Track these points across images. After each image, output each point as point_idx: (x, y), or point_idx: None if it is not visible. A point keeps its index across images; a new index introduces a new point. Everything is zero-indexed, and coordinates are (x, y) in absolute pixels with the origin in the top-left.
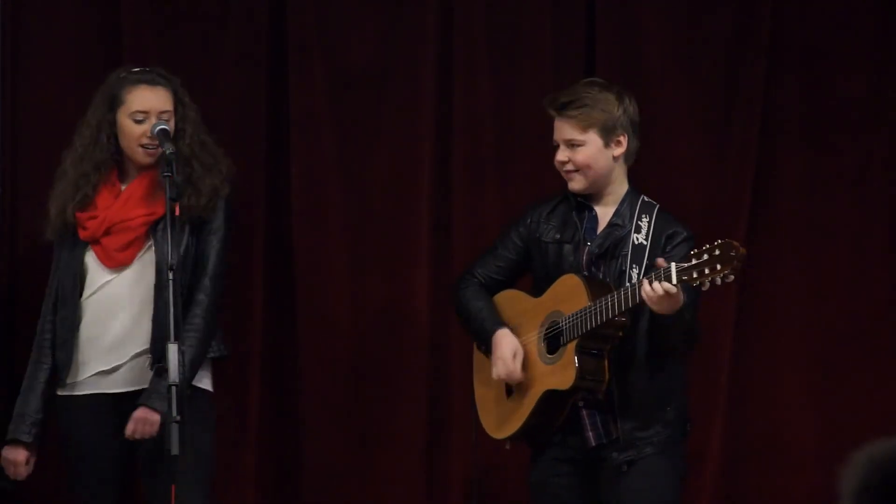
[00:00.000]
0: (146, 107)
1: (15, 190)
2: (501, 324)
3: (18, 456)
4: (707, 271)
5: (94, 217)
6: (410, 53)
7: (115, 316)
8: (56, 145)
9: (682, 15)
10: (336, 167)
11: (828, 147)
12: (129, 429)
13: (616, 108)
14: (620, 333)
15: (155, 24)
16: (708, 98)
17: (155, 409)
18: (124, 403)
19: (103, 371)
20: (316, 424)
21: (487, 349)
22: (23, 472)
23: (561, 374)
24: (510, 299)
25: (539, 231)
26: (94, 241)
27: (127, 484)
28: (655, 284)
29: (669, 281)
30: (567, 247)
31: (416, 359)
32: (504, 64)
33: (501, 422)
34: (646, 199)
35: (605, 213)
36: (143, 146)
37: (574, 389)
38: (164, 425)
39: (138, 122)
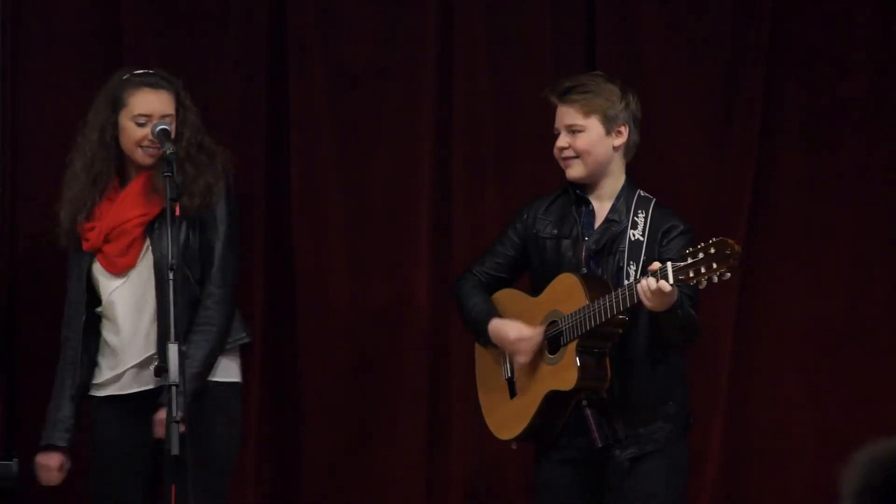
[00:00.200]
0: (148, 110)
1: (15, 190)
2: (494, 315)
3: (53, 461)
4: (703, 270)
5: (93, 228)
6: (410, 53)
7: (128, 320)
8: (56, 145)
9: (682, 15)
10: (336, 167)
11: (828, 147)
12: (159, 431)
13: (619, 99)
14: (620, 331)
15: (155, 24)
16: (708, 98)
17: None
18: (147, 402)
19: (122, 373)
20: (316, 424)
21: (486, 341)
22: (56, 477)
23: (563, 374)
24: (509, 299)
25: (536, 227)
26: (97, 251)
27: (152, 486)
28: (651, 281)
29: (666, 280)
30: (565, 242)
31: (416, 358)
32: (504, 64)
33: (506, 423)
34: (642, 193)
35: (601, 207)
36: (143, 147)
37: (577, 389)
38: (192, 423)
39: (140, 125)
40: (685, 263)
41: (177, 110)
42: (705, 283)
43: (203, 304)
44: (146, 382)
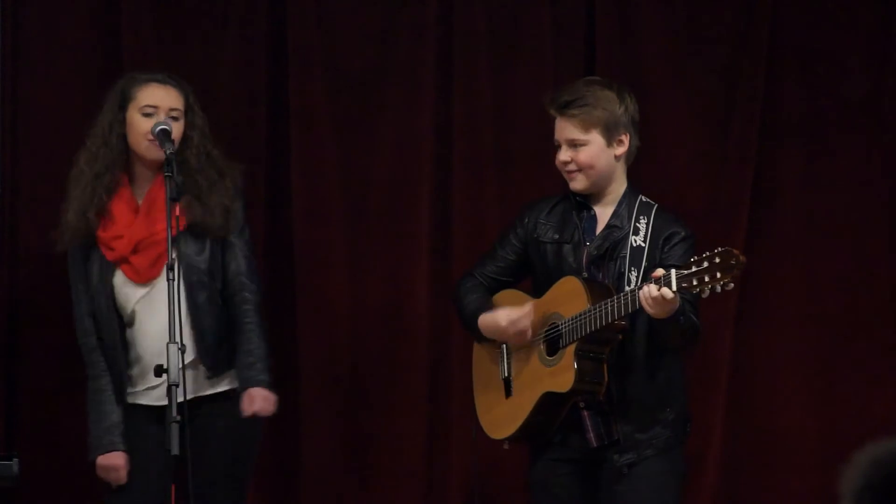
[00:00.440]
0: (155, 101)
1: (15, 190)
2: (482, 310)
3: (119, 460)
4: (707, 279)
5: (120, 237)
6: (410, 53)
7: (157, 329)
8: (56, 145)
9: (681, 15)
10: (336, 167)
11: (828, 147)
12: (257, 406)
13: (617, 106)
14: (620, 336)
15: (155, 24)
16: (708, 98)
17: (266, 387)
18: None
19: (154, 385)
20: (316, 425)
21: (480, 337)
22: (124, 476)
23: (560, 376)
24: (510, 299)
25: (537, 231)
26: (123, 261)
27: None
28: (653, 288)
29: (669, 287)
30: (566, 247)
31: (415, 359)
32: (504, 64)
33: (500, 422)
34: (644, 198)
35: (603, 213)
36: (150, 140)
37: (573, 392)
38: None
39: (147, 115)
40: (689, 272)
41: (186, 112)
42: (708, 291)
43: (241, 309)
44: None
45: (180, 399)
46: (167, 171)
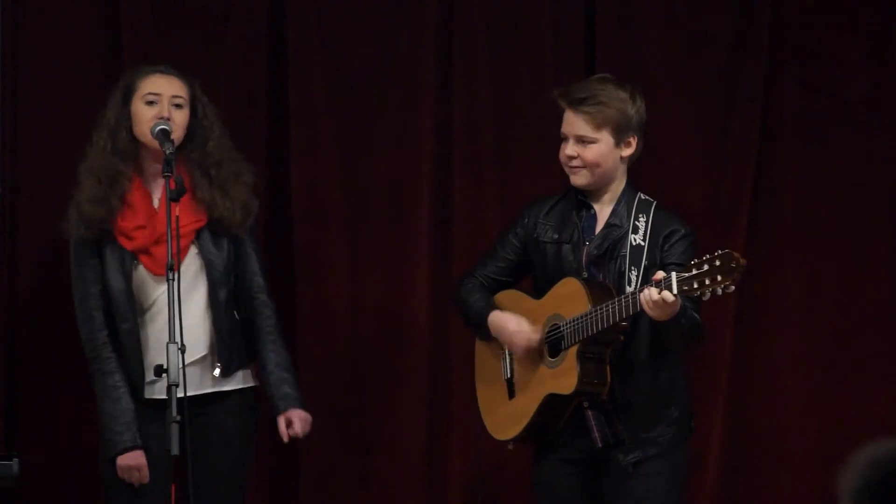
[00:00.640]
0: (157, 89)
1: (15, 190)
2: (494, 308)
3: (142, 459)
4: (707, 282)
5: (143, 227)
6: (410, 53)
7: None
8: (56, 145)
9: (682, 15)
10: (336, 167)
11: (827, 147)
12: (297, 429)
13: (630, 107)
14: (622, 337)
15: (155, 23)
16: (708, 98)
17: (303, 405)
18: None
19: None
20: (315, 425)
21: (487, 334)
22: (146, 475)
23: (563, 378)
24: (511, 300)
25: (537, 231)
26: (143, 251)
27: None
28: (654, 292)
29: (670, 290)
30: (566, 247)
31: (415, 359)
32: (504, 64)
33: (504, 423)
34: (642, 196)
35: (603, 211)
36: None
37: (576, 394)
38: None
39: (149, 103)
40: (690, 275)
41: (194, 104)
42: (709, 294)
43: (262, 313)
44: (199, 386)
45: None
46: (166, 172)
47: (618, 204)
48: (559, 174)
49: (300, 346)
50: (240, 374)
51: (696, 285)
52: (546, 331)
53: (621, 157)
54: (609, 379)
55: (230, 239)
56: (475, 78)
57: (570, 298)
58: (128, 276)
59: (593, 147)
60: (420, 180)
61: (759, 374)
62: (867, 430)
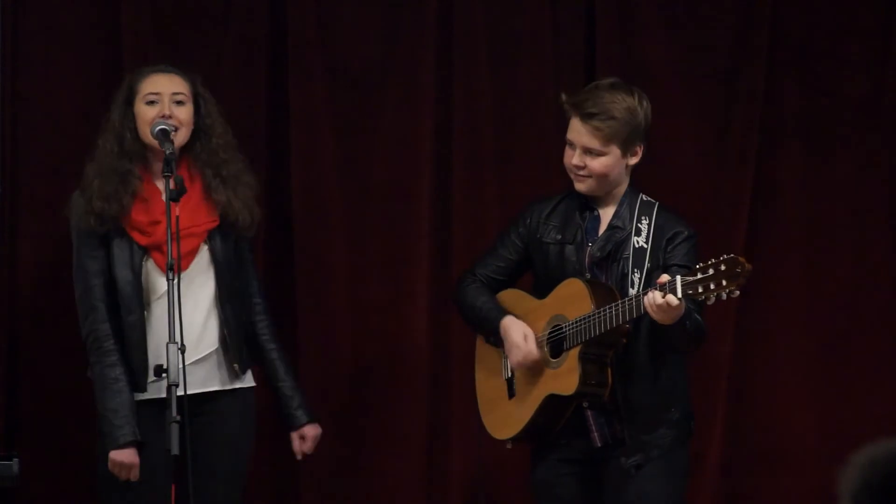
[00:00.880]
0: (157, 88)
1: (15, 190)
2: (506, 312)
3: (135, 457)
4: (712, 286)
5: (158, 223)
6: (410, 53)
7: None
8: (56, 145)
9: (682, 15)
10: (336, 167)
11: (828, 147)
12: (307, 447)
13: (639, 116)
14: (624, 340)
15: (155, 24)
16: (708, 99)
17: (315, 419)
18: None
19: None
20: None
21: (496, 340)
22: (136, 473)
23: (564, 379)
24: (512, 299)
25: (539, 231)
26: (156, 247)
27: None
28: (657, 295)
29: (674, 294)
30: (569, 248)
31: (416, 359)
32: (504, 64)
33: (504, 423)
34: (644, 197)
35: (606, 213)
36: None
37: (577, 395)
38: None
39: (150, 103)
40: (694, 279)
41: (196, 100)
42: (713, 299)
43: (259, 315)
44: (206, 383)
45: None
46: (166, 172)
47: (620, 206)
48: (559, 174)
49: (300, 346)
50: (248, 374)
51: (700, 289)
52: (548, 331)
53: (627, 165)
54: (610, 381)
55: (236, 240)
56: (475, 78)
57: (573, 299)
58: (136, 270)
59: (601, 159)
60: (420, 180)
61: (759, 374)
62: (867, 430)
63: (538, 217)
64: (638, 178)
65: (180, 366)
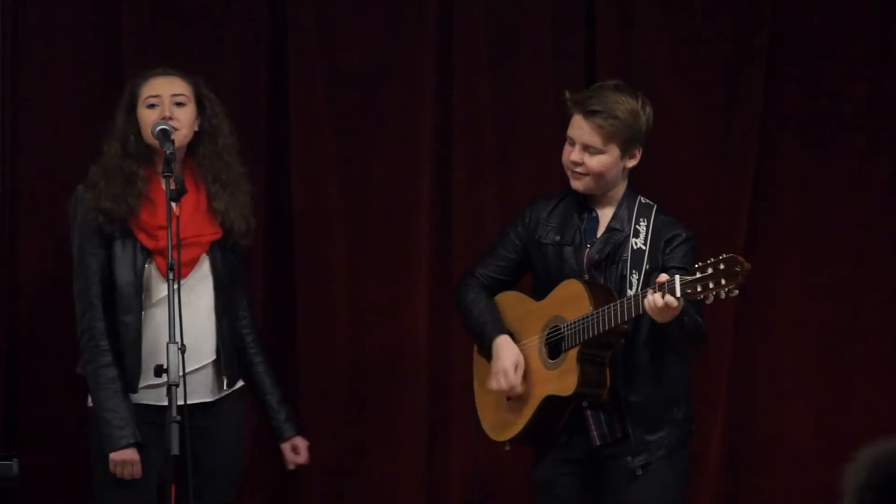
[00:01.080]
0: (156, 91)
1: (15, 190)
2: (501, 330)
3: (136, 455)
4: (711, 286)
5: (165, 227)
6: (410, 53)
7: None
8: (56, 145)
9: (681, 15)
10: (336, 167)
11: (828, 147)
12: (302, 458)
13: (641, 120)
14: (622, 340)
15: (155, 24)
16: (708, 99)
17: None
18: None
19: (161, 384)
20: (316, 426)
21: (488, 354)
22: (139, 471)
23: (562, 380)
24: (511, 301)
25: (538, 232)
26: (160, 252)
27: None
28: (657, 296)
29: (673, 294)
30: (567, 249)
31: (416, 359)
32: (504, 64)
33: (502, 424)
34: (643, 200)
35: (604, 214)
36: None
37: (575, 395)
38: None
39: (151, 106)
40: (693, 278)
41: (200, 101)
42: (712, 298)
43: (247, 329)
44: (204, 394)
45: (181, 399)
46: (166, 172)
47: (619, 208)
48: (559, 174)
49: (300, 347)
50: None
51: (699, 289)
52: (546, 332)
53: (625, 167)
54: (608, 381)
55: (231, 249)
56: (475, 78)
57: (571, 300)
58: (138, 272)
59: (600, 157)
60: (420, 180)
61: (758, 374)
62: (867, 430)
63: (537, 217)
64: (638, 177)
65: (176, 364)
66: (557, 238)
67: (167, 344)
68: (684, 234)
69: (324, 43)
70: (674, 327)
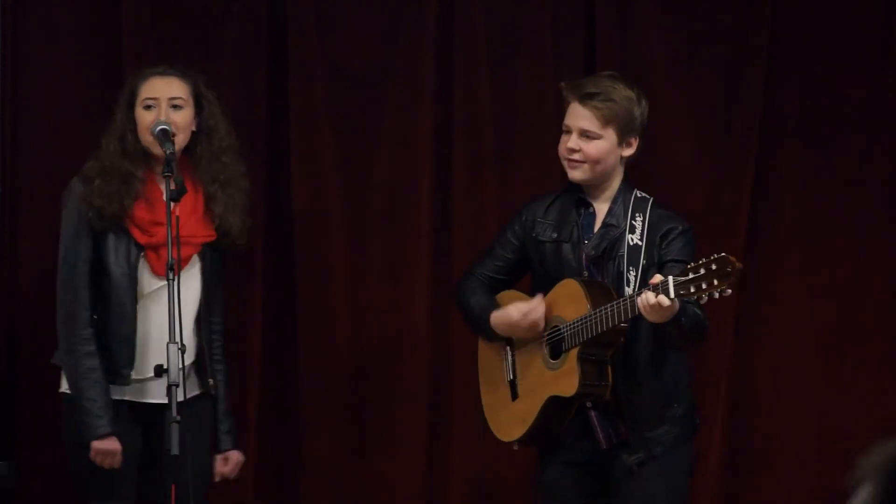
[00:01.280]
0: (154, 93)
1: (15, 190)
2: (493, 307)
3: (116, 445)
4: (704, 286)
5: (160, 224)
6: (410, 54)
7: (159, 322)
8: (56, 145)
9: (682, 15)
10: (336, 167)
11: (827, 147)
12: (228, 469)
13: (637, 108)
14: (622, 339)
15: (155, 24)
16: (708, 98)
17: (237, 446)
18: (154, 414)
19: (146, 378)
20: (316, 425)
21: (491, 334)
22: (119, 461)
23: (564, 380)
24: (510, 301)
25: (535, 230)
26: (152, 248)
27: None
28: (650, 296)
29: (667, 294)
30: (565, 246)
31: (416, 359)
32: (504, 64)
33: (508, 425)
34: (639, 193)
35: (601, 209)
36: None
37: (578, 396)
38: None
39: (147, 107)
40: (686, 279)
41: (199, 101)
42: (706, 298)
43: (216, 335)
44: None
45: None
46: (166, 172)
47: (614, 203)
48: (559, 174)
49: (300, 346)
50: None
51: (692, 289)
52: (547, 333)
53: (621, 157)
54: (610, 380)
55: (221, 252)
56: (475, 78)
57: (569, 300)
58: (134, 268)
59: (597, 143)
60: (420, 180)
61: (759, 374)
62: (867, 430)
63: (534, 215)
64: (638, 177)
65: (176, 363)
66: (555, 235)
67: (167, 344)
68: (680, 227)
69: (324, 43)
70: (671, 327)
